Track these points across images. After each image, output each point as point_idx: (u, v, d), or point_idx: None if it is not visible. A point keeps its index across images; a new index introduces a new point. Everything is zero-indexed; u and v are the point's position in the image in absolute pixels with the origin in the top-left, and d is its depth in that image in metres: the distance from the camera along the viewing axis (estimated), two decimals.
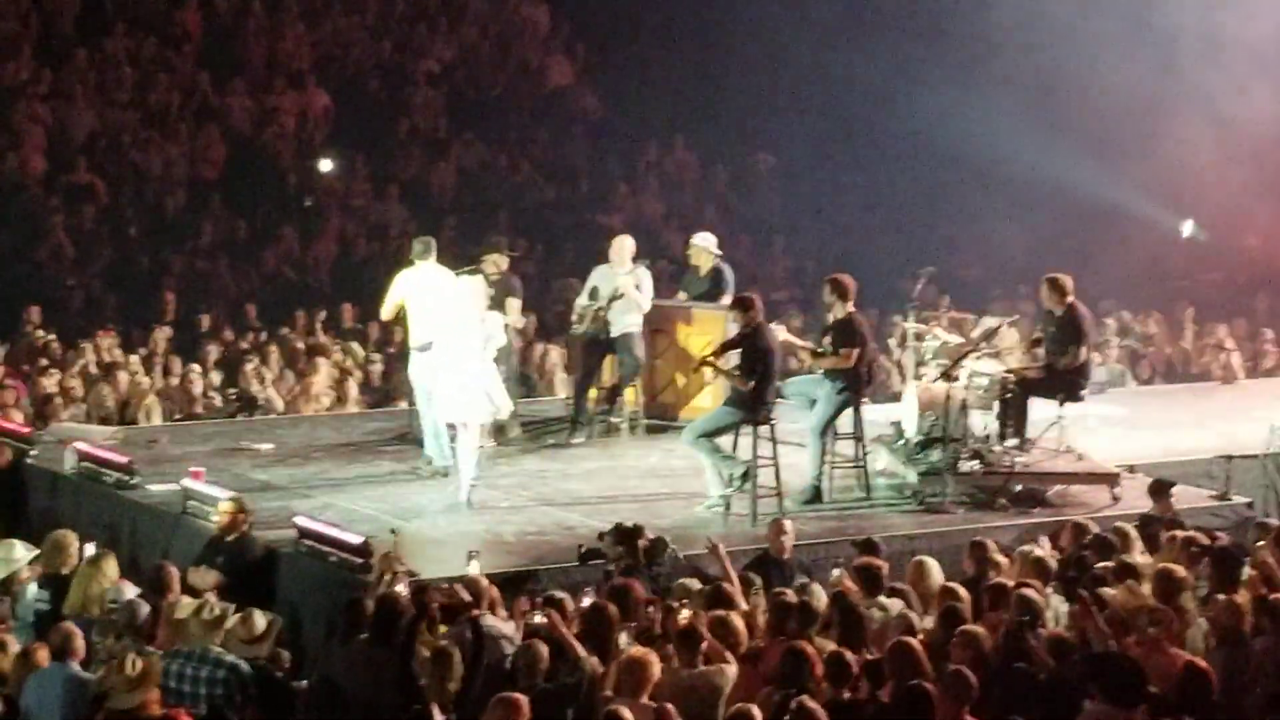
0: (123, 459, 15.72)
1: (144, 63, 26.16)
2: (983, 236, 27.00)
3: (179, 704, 10.77)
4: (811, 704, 9.99)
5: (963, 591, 12.16)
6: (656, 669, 10.56)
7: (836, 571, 12.78)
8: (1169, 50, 25.47)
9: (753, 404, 14.96)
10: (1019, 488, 15.61)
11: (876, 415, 16.62)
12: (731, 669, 10.97)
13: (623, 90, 29.06)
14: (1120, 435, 17.86)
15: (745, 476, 14.92)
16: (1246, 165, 25.50)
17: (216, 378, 20.36)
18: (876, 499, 15.71)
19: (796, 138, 28.41)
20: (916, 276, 17.31)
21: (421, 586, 12.19)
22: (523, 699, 10.01)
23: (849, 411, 15.68)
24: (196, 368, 20.19)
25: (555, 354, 21.14)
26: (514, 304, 17.45)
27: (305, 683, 11.55)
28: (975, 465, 15.63)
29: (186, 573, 13.12)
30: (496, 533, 14.43)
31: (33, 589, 13.26)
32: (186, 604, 11.77)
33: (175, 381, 19.88)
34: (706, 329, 17.59)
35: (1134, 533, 13.60)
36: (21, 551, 13.72)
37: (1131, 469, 16.25)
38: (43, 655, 11.12)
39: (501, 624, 11.78)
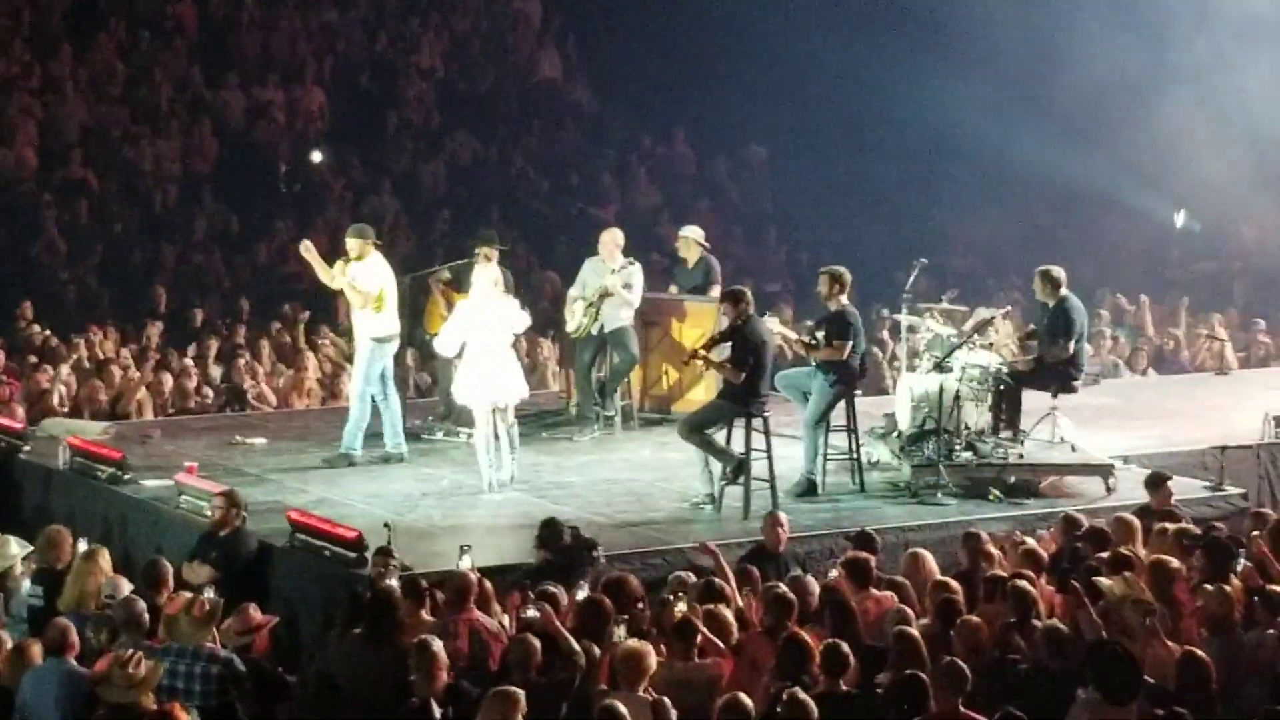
0: (115, 454, 15.70)
1: (136, 57, 26.13)
2: (976, 228, 27.03)
3: (173, 699, 10.77)
4: (803, 696, 10.00)
5: (955, 584, 12.17)
6: (653, 661, 10.58)
7: (834, 573, 12.77)
8: (1161, 37, 25.48)
9: (745, 397, 14.95)
10: (1013, 479, 15.61)
11: (870, 407, 16.61)
12: (726, 662, 10.98)
13: (614, 83, 29.06)
14: (1114, 426, 17.86)
15: (739, 470, 14.92)
16: (1241, 154, 25.51)
17: (216, 372, 20.34)
18: (870, 492, 15.70)
19: (789, 130, 28.42)
20: (910, 268, 17.31)
21: (415, 579, 12.19)
22: (519, 692, 10.01)
23: (842, 404, 15.68)
24: (191, 363, 20.17)
25: (547, 348, 21.14)
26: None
27: (298, 678, 11.55)
28: (969, 457, 15.64)
29: (180, 568, 13.11)
30: (490, 527, 14.42)
31: (26, 584, 13.25)
32: (179, 599, 11.76)
33: (168, 376, 19.85)
34: (699, 322, 17.60)
35: (1136, 523, 13.60)
36: (15, 548, 13.70)
37: (1125, 460, 16.26)
38: (36, 651, 11.10)
39: (489, 620, 11.78)
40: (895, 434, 16.21)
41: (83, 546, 13.31)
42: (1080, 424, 16.73)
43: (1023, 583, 11.84)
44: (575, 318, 17.62)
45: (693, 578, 12.44)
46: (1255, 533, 13.39)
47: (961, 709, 10.16)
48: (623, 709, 9.82)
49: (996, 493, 15.42)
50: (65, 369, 19.59)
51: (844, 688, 10.59)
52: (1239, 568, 12.68)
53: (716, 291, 17.37)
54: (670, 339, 17.97)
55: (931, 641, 11.08)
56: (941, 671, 10.29)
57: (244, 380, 19.91)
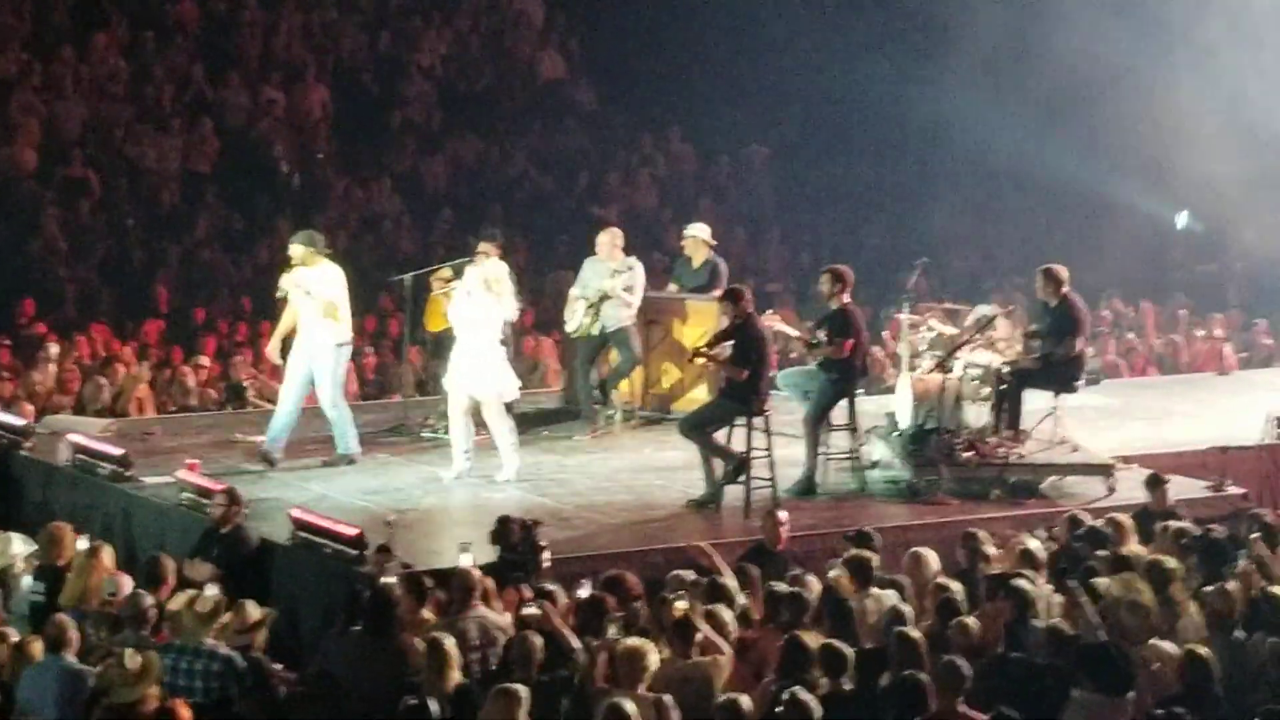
0: (117, 451, 15.71)
1: (138, 55, 26.13)
2: (977, 227, 27.03)
3: (175, 696, 10.79)
4: (804, 695, 10.00)
5: (955, 585, 12.17)
6: (653, 659, 10.59)
7: (834, 572, 12.77)
8: (1162, 37, 25.49)
9: (747, 395, 14.95)
10: (1013, 479, 15.61)
11: (871, 406, 16.62)
12: (726, 660, 10.99)
13: (616, 83, 29.05)
14: (1115, 426, 17.87)
15: (739, 468, 14.93)
16: (1242, 154, 25.51)
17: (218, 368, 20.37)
18: (871, 491, 15.71)
19: (791, 129, 28.42)
20: (911, 267, 17.32)
21: (416, 577, 12.20)
22: (522, 690, 10.03)
23: (843, 403, 15.68)
24: (204, 360, 20.18)
25: (549, 346, 21.14)
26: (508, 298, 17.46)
27: (299, 674, 11.55)
28: (970, 456, 15.64)
29: (182, 565, 13.12)
30: (490, 525, 14.40)
31: (27, 581, 13.26)
32: (180, 597, 11.78)
33: (170, 374, 19.85)
34: (701, 321, 17.58)
35: (1129, 524, 13.61)
36: (20, 546, 13.69)
37: (1126, 460, 16.26)
38: (37, 648, 11.12)
39: (498, 616, 11.79)
40: (896, 433, 16.21)
41: (83, 543, 13.33)
42: (1081, 424, 16.74)
43: (1022, 581, 11.85)
44: (576, 318, 17.62)
45: (693, 576, 12.46)
46: (1255, 534, 13.40)
47: (961, 708, 10.16)
48: (630, 707, 9.82)
49: (997, 492, 15.43)
50: (66, 366, 19.62)
51: (846, 688, 10.60)
52: (1239, 568, 12.70)
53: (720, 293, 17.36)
54: (671, 338, 17.97)
55: (932, 641, 11.09)
56: (941, 671, 10.30)
57: (243, 377, 19.91)
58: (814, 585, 12.29)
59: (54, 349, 20.08)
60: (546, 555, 12.97)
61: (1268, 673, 11.15)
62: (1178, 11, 25.41)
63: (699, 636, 11.07)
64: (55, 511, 15.23)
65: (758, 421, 14.94)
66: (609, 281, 17.37)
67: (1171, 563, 12.37)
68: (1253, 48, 25.22)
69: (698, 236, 18.14)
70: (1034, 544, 13.20)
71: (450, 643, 10.78)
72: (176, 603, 11.61)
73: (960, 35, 26.45)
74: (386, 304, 22.22)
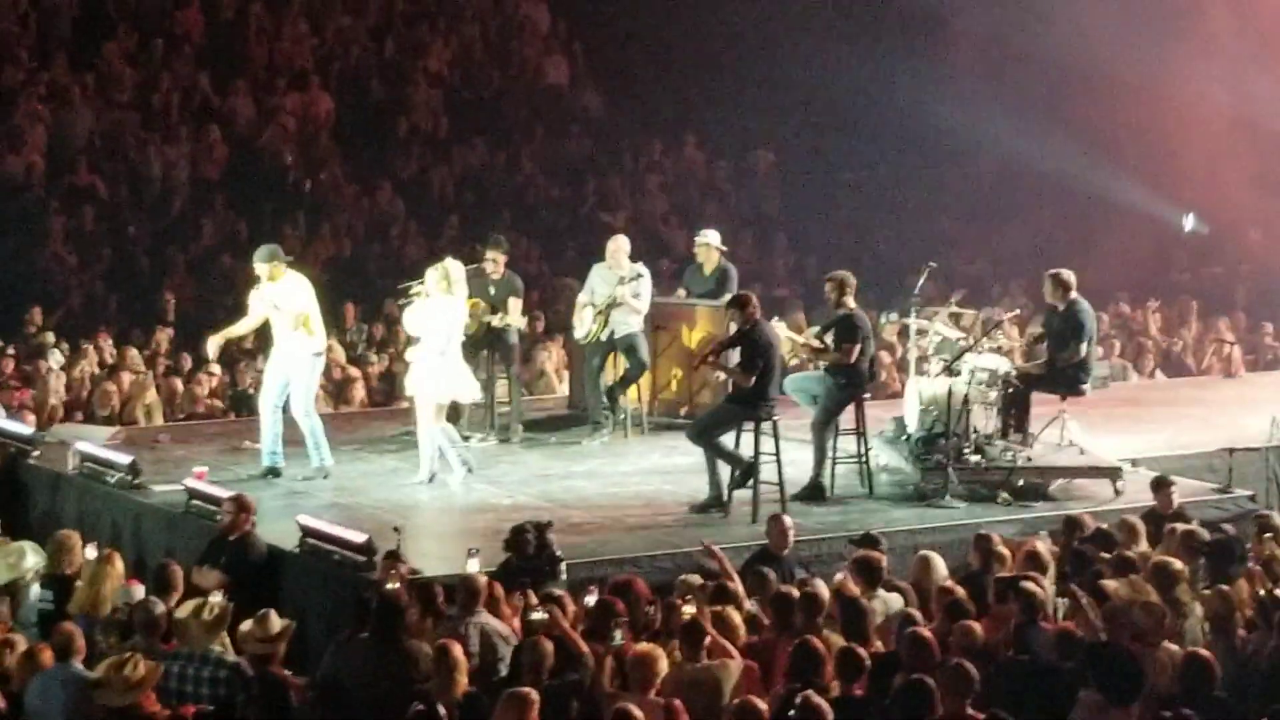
0: (125, 459, 15.72)
1: (144, 63, 26.16)
2: (984, 232, 27.02)
3: (181, 704, 10.81)
4: (817, 699, 10.00)
5: (960, 589, 12.18)
6: (664, 664, 10.60)
7: (840, 575, 12.77)
8: (1167, 41, 25.48)
9: (755, 400, 14.97)
10: (1021, 483, 15.61)
11: (878, 411, 16.62)
12: (735, 664, 10.99)
13: (622, 89, 29.06)
14: (1122, 429, 17.86)
15: (748, 473, 14.94)
16: (1249, 157, 25.50)
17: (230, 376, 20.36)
18: (879, 495, 15.71)
19: (797, 134, 28.40)
20: (918, 272, 17.32)
21: (424, 583, 12.21)
22: (534, 694, 10.05)
23: (851, 407, 15.69)
24: (214, 368, 20.18)
25: (556, 353, 21.14)
26: (515, 303, 17.51)
27: (307, 680, 11.55)
28: (978, 460, 15.64)
29: (190, 572, 13.13)
30: (498, 530, 14.40)
31: (36, 589, 13.27)
32: (187, 605, 11.79)
33: (179, 381, 19.85)
34: (709, 327, 17.59)
35: (1140, 525, 13.61)
36: (32, 559, 13.64)
37: (1134, 463, 16.26)
38: (47, 656, 11.12)
39: (499, 623, 11.79)
40: (904, 437, 16.21)
41: (92, 551, 13.34)
42: (1088, 427, 16.74)
43: (1030, 584, 11.84)
44: (584, 324, 17.63)
45: (700, 580, 12.47)
46: (1268, 534, 13.41)
47: (969, 710, 10.16)
48: (638, 714, 9.83)
49: (1005, 495, 15.43)
50: (73, 374, 19.64)
51: (858, 692, 10.60)
52: (1246, 570, 12.70)
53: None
54: (679, 344, 17.96)
55: (941, 644, 11.09)
56: (948, 673, 10.29)
57: (250, 385, 19.91)
58: (821, 589, 12.28)
59: (61, 357, 20.11)
60: (562, 569, 13.01)
61: (1275, 674, 11.13)
62: (1184, 12, 25.40)
63: (707, 640, 11.08)
64: (63, 519, 15.26)
65: (766, 426, 14.94)
66: (619, 289, 17.38)
67: (1177, 564, 12.36)
68: (1259, 46, 25.22)
69: (710, 243, 18.14)
70: (1041, 547, 13.21)
71: (458, 650, 10.79)
72: (184, 610, 11.62)
73: (966, 40, 26.46)
74: (393, 311, 22.20)
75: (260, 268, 15.86)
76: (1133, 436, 17.63)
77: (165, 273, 23.79)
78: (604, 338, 17.55)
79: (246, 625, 11.46)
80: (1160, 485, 14.73)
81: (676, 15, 28.54)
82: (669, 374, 18.16)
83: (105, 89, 25.70)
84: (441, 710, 10.29)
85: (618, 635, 11.23)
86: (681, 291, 18.34)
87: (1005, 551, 13.24)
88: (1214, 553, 12.90)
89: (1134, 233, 26.00)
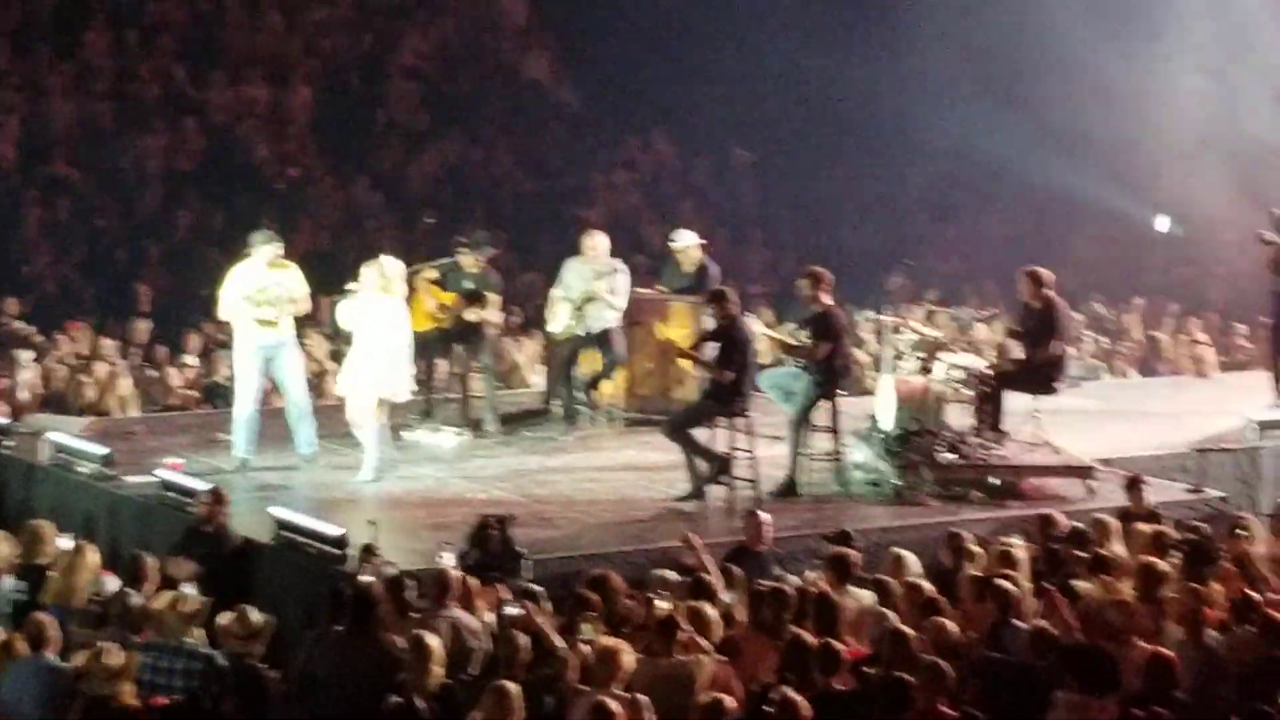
0: (101, 449, 15.70)
1: (121, 55, 26.10)
2: (959, 230, 27.06)
3: (154, 695, 10.80)
4: (793, 695, 10.03)
5: (928, 586, 12.21)
6: (629, 659, 10.60)
7: (812, 575, 12.80)
8: (1143, 41, 25.56)
9: (729, 397, 14.99)
10: (995, 481, 15.65)
11: (853, 408, 16.66)
12: (707, 660, 11.01)
13: (599, 84, 29.05)
14: (1096, 428, 17.91)
15: (722, 469, 14.96)
16: (1222, 158, 25.57)
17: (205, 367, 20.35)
18: (853, 492, 15.74)
19: (773, 132, 28.41)
20: (893, 269, 17.35)
21: (397, 577, 12.22)
22: (514, 687, 10.06)
23: (826, 405, 15.71)
24: (189, 359, 20.15)
25: (530, 347, 21.13)
26: (493, 299, 17.51)
27: (281, 673, 11.56)
28: (951, 458, 15.67)
29: (164, 564, 13.11)
30: (473, 525, 14.42)
31: (9, 580, 13.24)
32: (162, 596, 11.78)
33: (154, 373, 19.82)
34: (684, 321, 17.60)
35: (1114, 524, 13.65)
36: (5, 549, 13.52)
37: (1107, 462, 16.31)
38: (21, 646, 11.12)
39: (470, 618, 11.80)
40: (878, 435, 16.24)
41: (66, 542, 13.32)
42: (1062, 426, 16.77)
43: (1005, 582, 11.88)
44: (559, 318, 17.63)
45: (675, 575, 12.48)
46: (1242, 531, 13.46)
47: (943, 708, 10.20)
48: (616, 707, 9.85)
49: (979, 494, 15.47)
50: (48, 365, 19.60)
51: (837, 687, 10.63)
52: (1219, 570, 12.75)
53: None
54: (654, 339, 17.95)
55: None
56: (923, 671, 10.33)
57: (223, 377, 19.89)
58: (793, 585, 12.30)
59: (35, 348, 20.06)
60: (524, 561, 12.99)
61: (1249, 674, 11.17)
62: (1160, 17, 25.47)
63: (682, 635, 11.09)
64: (36, 510, 15.21)
65: (740, 423, 14.96)
66: (595, 283, 17.38)
67: (1162, 566, 12.40)
68: (1237, 51, 25.30)
69: (686, 245, 18.12)
70: (1015, 545, 13.25)
71: (434, 641, 10.79)
72: (160, 602, 11.61)
73: (943, 39, 26.48)
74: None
75: (268, 249, 15.93)
76: (1106, 435, 17.67)
77: (141, 264, 23.74)
78: (579, 332, 17.56)
79: (225, 619, 11.45)
80: (1134, 485, 14.78)
81: (654, 11, 28.52)
82: (644, 369, 18.16)
83: (82, 79, 25.64)
84: (418, 702, 10.29)
85: (586, 629, 11.25)
86: (658, 286, 18.34)
87: (978, 549, 13.28)
88: (1191, 553, 12.94)
89: (1107, 233, 26.08)
